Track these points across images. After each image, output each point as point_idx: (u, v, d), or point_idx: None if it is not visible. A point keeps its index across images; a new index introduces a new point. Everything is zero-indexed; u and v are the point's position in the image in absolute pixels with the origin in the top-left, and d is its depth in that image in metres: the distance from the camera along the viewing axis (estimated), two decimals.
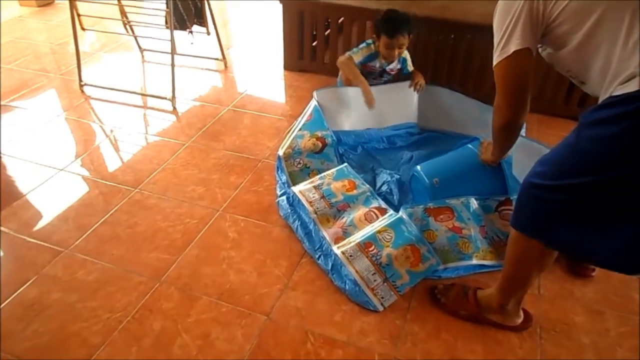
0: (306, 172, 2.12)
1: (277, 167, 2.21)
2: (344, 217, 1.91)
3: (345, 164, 2.10)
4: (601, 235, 1.18)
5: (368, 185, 2.01)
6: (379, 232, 1.78)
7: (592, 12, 1.15)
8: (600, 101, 1.18)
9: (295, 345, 1.57)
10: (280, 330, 1.62)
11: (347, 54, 2.51)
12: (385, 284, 1.69)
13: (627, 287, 1.78)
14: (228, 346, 1.56)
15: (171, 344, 1.57)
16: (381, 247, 1.74)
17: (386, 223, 1.80)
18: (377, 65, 2.54)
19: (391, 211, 1.87)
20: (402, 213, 1.81)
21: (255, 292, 1.74)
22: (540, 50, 1.41)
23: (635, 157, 1.06)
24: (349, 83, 2.54)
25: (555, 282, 1.81)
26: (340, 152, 2.27)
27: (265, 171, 2.35)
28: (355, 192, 1.98)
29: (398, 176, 2.17)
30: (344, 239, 1.83)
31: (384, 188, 2.12)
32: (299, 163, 2.14)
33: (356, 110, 2.47)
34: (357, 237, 1.81)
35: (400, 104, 2.54)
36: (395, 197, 2.08)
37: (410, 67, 2.64)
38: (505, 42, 1.32)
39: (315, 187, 2.01)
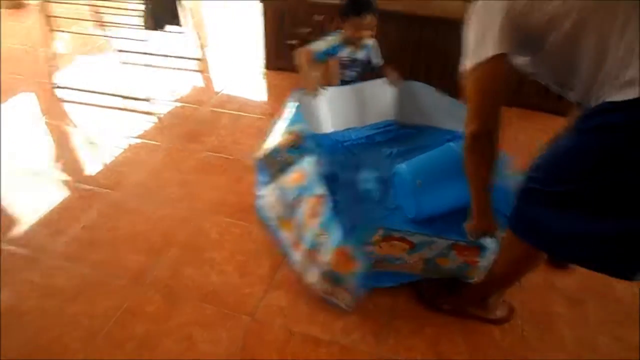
0: (288, 170, 2.11)
1: (259, 169, 2.19)
2: (297, 215, 1.82)
3: (309, 156, 1.94)
4: (597, 241, 1.15)
5: (314, 169, 1.81)
6: (317, 235, 1.68)
7: (575, 10, 1.11)
8: (591, 105, 1.14)
9: (279, 345, 1.57)
10: (265, 330, 1.61)
11: (309, 46, 2.47)
12: (338, 287, 1.65)
13: (607, 276, 1.81)
14: (213, 348, 1.55)
15: (155, 347, 1.55)
16: (322, 252, 1.65)
17: (321, 224, 1.67)
18: (346, 54, 2.55)
19: (329, 199, 1.71)
20: (328, 207, 1.66)
21: (239, 292, 1.73)
22: (516, 60, 1.35)
23: (636, 165, 1.04)
24: (326, 82, 2.54)
25: (536, 273, 1.80)
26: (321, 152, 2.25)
27: (246, 171, 2.33)
28: (304, 181, 1.85)
29: (378, 173, 2.17)
30: (300, 244, 1.77)
31: (365, 185, 2.12)
32: (280, 161, 2.12)
33: (336, 109, 2.47)
34: (307, 241, 1.73)
35: (378, 101, 2.54)
36: (376, 193, 2.08)
37: (380, 59, 2.65)
38: (480, 46, 1.23)
39: (277, 186, 1.96)
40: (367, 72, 2.68)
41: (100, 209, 2.10)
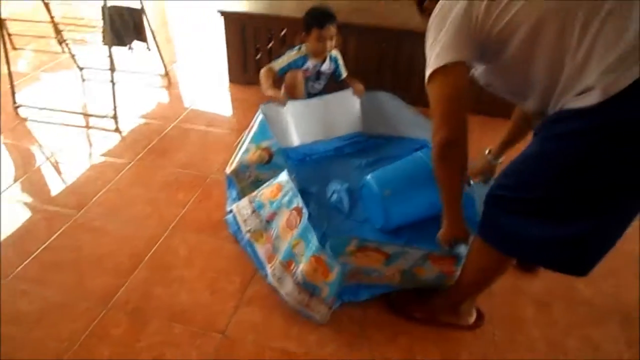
0: (258, 185, 2.09)
1: (228, 185, 2.17)
2: (272, 228, 1.83)
3: (285, 170, 1.95)
4: (565, 244, 1.18)
5: (292, 183, 1.82)
6: (293, 246, 1.69)
7: (531, 19, 1.13)
8: (549, 113, 1.18)
9: None
10: (237, 347, 1.59)
11: (271, 64, 2.54)
12: (314, 298, 1.64)
13: (571, 278, 1.83)
14: None
15: None
16: (298, 262, 1.66)
17: (297, 234, 1.69)
18: (311, 66, 2.57)
19: (305, 210, 1.70)
20: (305, 217, 1.67)
21: (209, 310, 1.70)
22: (472, 72, 1.38)
23: (599, 170, 1.07)
24: (292, 95, 2.55)
25: (505, 277, 1.83)
26: (287, 162, 2.25)
27: (214, 187, 2.31)
28: (280, 195, 1.83)
29: (347, 184, 2.17)
30: (274, 257, 1.76)
31: (334, 197, 2.12)
32: (249, 176, 2.11)
33: (303, 123, 2.47)
34: (281, 252, 1.73)
35: (345, 113, 2.56)
36: (345, 205, 2.08)
37: (343, 71, 2.69)
38: (440, 54, 1.24)
39: (250, 200, 1.96)
40: (332, 83, 2.71)
41: (64, 230, 2.04)
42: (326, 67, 2.63)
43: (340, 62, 2.69)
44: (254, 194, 1.97)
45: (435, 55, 1.25)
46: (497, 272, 1.46)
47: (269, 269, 1.77)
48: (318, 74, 2.64)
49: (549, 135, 1.16)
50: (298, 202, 1.73)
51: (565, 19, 1.09)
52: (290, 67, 2.54)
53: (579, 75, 1.08)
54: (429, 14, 1.36)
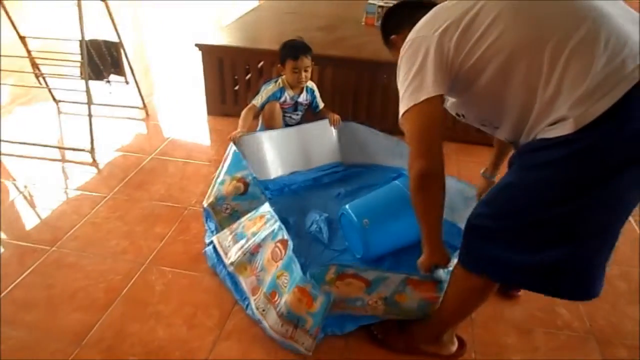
0: (235, 216, 2.07)
1: (206, 217, 2.15)
2: (257, 260, 1.81)
3: (266, 202, 1.95)
4: (549, 267, 1.19)
5: (275, 216, 1.81)
6: (277, 276, 1.67)
7: (504, 51, 1.16)
8: (522, 142, 1.21)
9: None
10: None
11: (252, 102, 2.61)
12: (298, 329, 1.60)
13: (552, 302, 1.86)
14: None
15: None
16: (282, 294, 1.63)
17: (282, 265, 1.67)
18: (288, 98, 2.62)
19: (290, 243, 1.69)
20: (289, 249, 1.66)
21: (186, 346, 1.66)
22: (445, 103, 1.40)
23: (575, 196, 1.09)
24: (269, 126, 2.57)
25: (486, 305, 1.83)
26: (268, 196, 2.24)
27: (192, 219, 2.28)
28: (262, 227, 1.83)
29: (326, 214, 2.17)
30: (259, 289, 1.74)
31: (313, 227, 2.11)
32: (227, 208, 2.09)
33: (280, 153, 2.48)
34: (265, 284, 1.72)
35: (322, 143, 2.59)
36: (324, 235, 2.08)
37: (320, 102, 2.74)
38: (415, 89, 1.27)
39: (231, 232, 1.94)
40: (310, 115, 2.75)
41: (37, 266, 1.98)
42: (303, 98, 2.67)
43: (317, 93, 2.74)
44: (234, 225, 1.95)
45: (412, 90, 1.27)
46: (480, 299, 1.46)
47: (252, 302, 1.74)
48: (295, 106, 2.68)
49: (526, 164, 1.19)
50: (283, 234, 1.72)
51: (534, 56, 1.12)
52: (269, 100, 2.58)
53: (550, 107, 1.11)
54: (397, 48, 1.40)
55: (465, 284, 1.39)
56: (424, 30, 1.28)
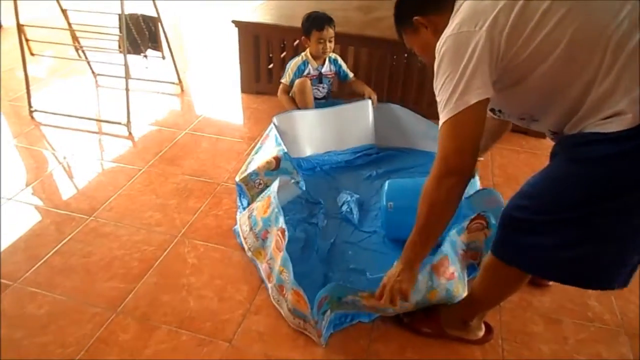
0: (268, 192, 2.10)
1: (239, 193, 2.18)
2: (267, 247, 1.81)
3: (277, 179, 1.95)
4: (588, 260, 1.18)
5: (276, 200, 1.80)
6: (280, 272, 1.66)
7: (563, 39, 1.09)
8: (567, 133, 1.17)
9: None
10: (243, 356, 1.58)
11: (281, 81, 2.74)
12: (307, 324, 1.61)
13: (582, 294, 1.83)
14: None
15: None
16: (287, 290, 1.63)
17: (281, 261, 1.66)
18: (312, 70, 2.66)
19: (286, 231, 1.68)
20: (284, 244, 1.65)
21: (217, 318, 1.70)
22: None
23: (625, 193, 1.07)
24: (300, 101, 2.60)
25: (515, 293, 1.84)
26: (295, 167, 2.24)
27: (225, 195, 2.32)
28: (269, 212, 1.82)
29: (357, 196, 2.17)
30: (272, 277, 1.75)
31: (344, 208, 2.12)
32: (260, 183, 2.11)
33: (315, 133, 2.49)
34: (274, 276, 1.71)
35: (357, 124, 2.58)
36: (355, 216, 2.08)
37: (348, 72, 2.77)
38: (463, 92, 1.16)
39: (248, 216, 1.95)
40: (340, 83, 2.83)
41: (75, 234, 2.05)
42: (327, 69, 2.72)
43: (341, 62, 2.78)
44: (253, 207, 1.97)
45: (459, 93, 1.16)
46: (512, 289, 1.45)
47: (269, 289, 1.77)
48: (320, 77, 2.71)
49: (576, 157, 1.14)
50: (281, 222, 1.71)
51: (596, 47, 1.07)
52: (296, 76, 2.65)
53: (605, 101, 1.07)
54: (418, 32, 1.36)
55: (498, 274, 1.38)
56: (466, 24, 1.16)
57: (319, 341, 1.60)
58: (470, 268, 1.83)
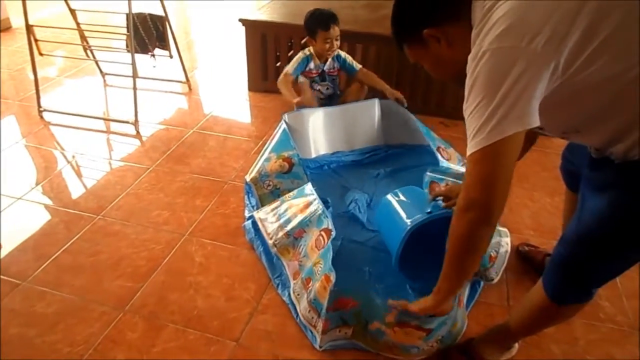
0: (276, 194, 2.09)
1: (247, 192, 2.18)
2: (300, 245, 1.81)
3: (308, 182, 1.97)
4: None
5: (321, 204, 1.80)
6: (315, 264, 1.66)
7: (630, 58, 0.90)
8: (617, 154, 1.02)
9: None
10: (251, 355, 1.57)
11: (284, 70, 2.66)
12: (319, 319, 1.58)
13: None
14: None
15: None
16: (315, 280, 1.63)
17: (321, 253, 1.67)
18: (314, 67, 2.62)
19: (333, 232, 1.67)
20: (331, 238, 1.66)
21: (224, 317, 1.70)
22: None
23: None
24: (306, 100, 2.59)
25: (524, 293, 1.80)
26: (307, 173, 2.24)
27: (232, 193, 2.32)
28: (307, 212, 1.82)
29: (365, 194, 2.16)
30: (300, 274, 1.74)
31: (352, 206, 2.11)
32: (269, 185, 2.11)
33: (323, 132, 2.48)
34: (305, 270, 1.71)
35: (365, 124, 2.56)
36: (363, 215, 2.07)
37: (355, 64, 2.72)
38: (499, 121, 0.95)
39: (274, 213, 1.94)
40: (347, 77, 2.78)
41: (83, 233, 2.06)
42: (329, 66, 2.69)
43: (346, 56, 2.72)
44: (277, 203, 1.96)
45: (497, 120, 0.96)
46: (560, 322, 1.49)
47: (292, 286, 1.76)
48: (322, 75, 2.68)
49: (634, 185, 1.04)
50: (328, 223, 1.72)
51: None
52: (300, 68, 2.64)
53: None
54: (427, 46, 1.14)
55: (552, 313, 1.34)
56: (510, 38, 0.93)
57: (318, 340, 1.58)
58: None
